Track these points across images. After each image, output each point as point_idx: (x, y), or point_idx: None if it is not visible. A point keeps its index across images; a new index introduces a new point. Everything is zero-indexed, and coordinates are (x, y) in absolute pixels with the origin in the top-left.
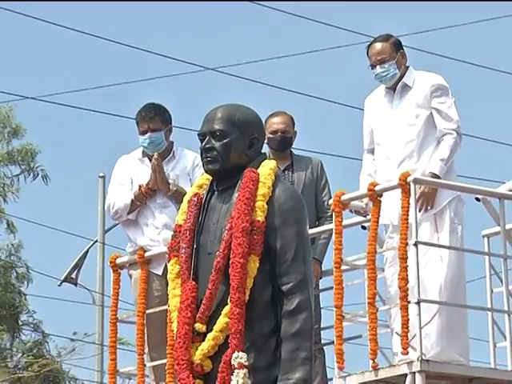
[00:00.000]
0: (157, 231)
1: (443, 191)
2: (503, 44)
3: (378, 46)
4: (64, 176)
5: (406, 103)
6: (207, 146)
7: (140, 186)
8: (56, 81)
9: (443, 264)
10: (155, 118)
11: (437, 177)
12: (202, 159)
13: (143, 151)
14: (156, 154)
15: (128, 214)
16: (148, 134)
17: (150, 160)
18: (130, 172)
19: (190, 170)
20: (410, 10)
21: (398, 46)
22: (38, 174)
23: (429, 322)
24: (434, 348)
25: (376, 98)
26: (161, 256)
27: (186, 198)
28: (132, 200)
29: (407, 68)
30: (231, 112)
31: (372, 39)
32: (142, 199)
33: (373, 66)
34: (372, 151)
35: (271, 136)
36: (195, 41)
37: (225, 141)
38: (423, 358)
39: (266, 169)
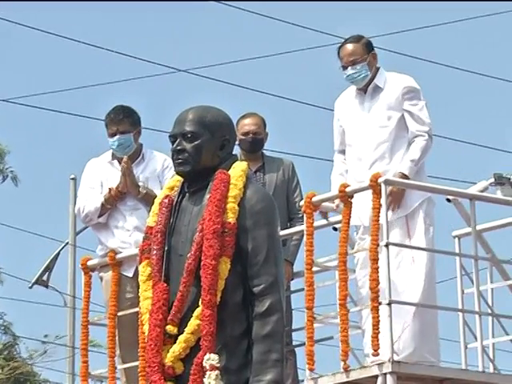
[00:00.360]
0: (128, 233)
1: (414, 193)
2: (474, 45)
3: (350, 47)
4: (35, 178)
5: (377, 105)
6: (178, 147)
7: (110, 189)
8: (27, 83)
9: (415, 265)
10: (124, 120)
11: (406, 177)
12: (173, 161)
13: (113, 154)
14: (125, 156)
15: (98, 217)
16: (117, 136)
17: (120, 163)
18: (100, 175)
19: (159, 172)
20: (380, 10)
21: (369, 46)
22: (7, 176)
23: (408, 326)
24: (406, 349)
25: (347, 99)
26: (131, 258)
27: (157, 200)
28: (102, 203)
29: (378, 69)
30: (202, 114)
31: (342, 40)
32: (112, 202)
33: (344, 67)
34: (343, 152)
35: (242, 137)
36: (167, 42)
37: (196, 142)
38: (394, 359)
39: (237, 170)
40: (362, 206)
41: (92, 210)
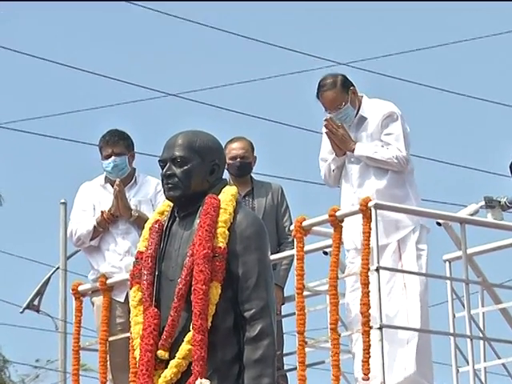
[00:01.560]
0: (119, 257)
1: (405, 218)
2: (462, 68)
3: (329, 95)
4: (25, 202)
5: (361, 136)
6: (168, 172)
7: (102, 212)
8: (17, 108)
9: (407, 291)
10: (119, 142)
11: (352, 151)
12: (162, 186)
13: (105, 177)
14: (118, 180)
15: (90, 240)
16: (112, 158)
17: (113, 186)
18: (93, 198)
19: (152, 196)
20: (367, 32)
21: (346, 84)
22: None
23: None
24: (400, 373)
25: None
26: (123, 283)
27: (147, 225)
28: (94, 226)
29: (361, 98)
30: (192, 138)
31: (329, 63)
32: (105, 225)
33: (329, 112)
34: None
35: (230, 162)
36: (156, 66)
37: (185, 167)
38: (385, 383)
39: (227, 195)
40: (355, 229)
41: (84, 232)
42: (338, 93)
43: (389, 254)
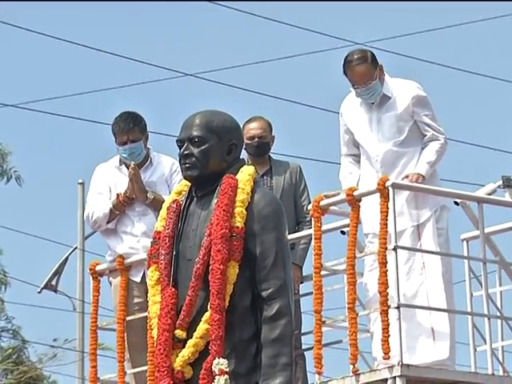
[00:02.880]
0: (136, 239)
1: (426, 202)
2: (480, 47)
3: (360, 69)
4: (43, 183)
5: (386, 116)
6: (186, 152)
7: (118, 195)
8: (35, 88)
9: (426, 271)
10: (134, 128)
11: (423, 177)
12: (180, 165)
13: (120, 159)
14: (133, 163)
15: (107, 223)
16: (128, 145)
17: (128, 168)
18: (108, 180)
19: (167, 177)
20: (387, 11)
21: (375, 61)
22: (11, 177)
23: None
24: (429, 355)
25: (352, 106)
26: (139, 263)
27: (165, 205)
28: (111, 209)
29: (384, 77)
30: (209, 118)
31: (348, 43)
32: (121, 208)
33: (357, 87)
34: (350, 156)
35: (248, 142)
36: (174, 47)
37: (203, 147)
38: (403, 362)
39: (245, 175)
40: (374, 214)
41: (101, 215)
42: (369, 67)
43: (408, 234)
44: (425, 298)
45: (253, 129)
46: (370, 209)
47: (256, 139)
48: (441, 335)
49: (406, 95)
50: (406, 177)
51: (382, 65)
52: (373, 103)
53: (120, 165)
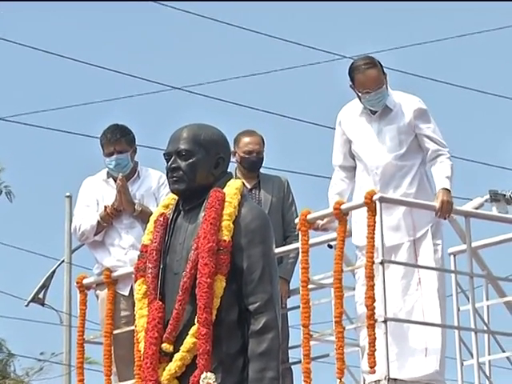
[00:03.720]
0: (123, 251)
1: (423, 217)
2: (465, 61)
3: (372, 72)
4: (30, 196)
5: (388, 128)
6: (173, 165)
7: (106, 207)
8: (22, 101)
9: (422, 287)
10: (121, 139)
11: (449, 192)
12: (167, 179)
13: (108, 172)
14: (120, 175)
15: (94, 235)
16: (114, 156)
17: (115, 181)
18: (96, 193)
19: (155, 190)
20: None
21: (382, 68)
22: (1, 192)
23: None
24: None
25: (352, 115)
26: (127, 276)
27: (152, 218)
28: (98, 221)
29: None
30: (197, 132)
31: (336, 57)
32: (108, 220)
33: (366, 93)
34: (344, 168)
35: (245, 156)
36: (162, 59)
37: (190, 160)
38: (390, 376)
39: (232, 188)
40: (364, 227)
41: (88, 228)
42: (379, 72)
43: (404, 249)
44: (420, 314)
45: (251, 143)
46: (363, 221)
47: (254, 154)
48: (432, 351)
49: (408, 108)
50: (438, 209)
51: (387, 74)
52: (374, 113)
53: (108, 178)
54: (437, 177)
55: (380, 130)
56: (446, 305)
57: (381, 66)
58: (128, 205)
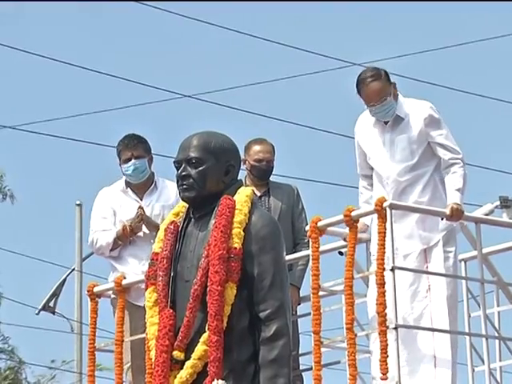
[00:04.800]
0: (141, 262)
1: (435, 226)
2: (473, 67)
3: (376, 85)
4: (41, 204)
5: (399, 138)
6: (183, 173)
7: (124, 228)
8: (33, 110)
9: (431, 294)
10: (138, 145)
11: (460, 206)
12: (178, 187)
13: (126, 182)
14: (139, 205)
15: (111, 251)
16: (132, 161)
17: (133, 191)
18: (113, 204)
19: (174, 202)
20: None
21: (388, 78)
22: (6, 195)
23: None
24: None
25: (366, 126)
26: (142, 288)
27: (162, 226)
28: (114, 239)
29: (397, 97)
30: (207, 139)
31: (348, 64)
32: (125, 240)
33: (372, 104)
34: (365, 177)
35: (256, 164)
36: (172, 68)
37: (201, 168)
38: (401, 382)
39: (242, 196)
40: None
41: (104, 244)
42: (384, 84)
43: (414, 257)
44: (429, 322)
45: (261, 151)
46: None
47: (264, 162)
48: (442, 362)
49: (419, 117)
50: (449, 215)
51: (395, 83)
52: (386, 123)
53: (126, 188)
54: (448, 189)
55: (392, 140)
56: (458, 311)
57: (387, 75)
58: (154, 229)
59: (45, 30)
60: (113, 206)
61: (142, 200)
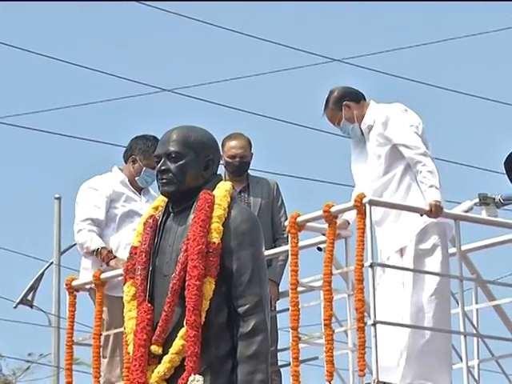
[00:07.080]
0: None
1: (409, 225)
2: (454, 64)
3: (327, 113)
4: (19, 197)
5: (369, 146)
6: (163, 167)
7: (107, 254)
8: (12, 102)
9: (405, 290)
10: None
11: (439, 203)
12: (157, 181)
13: (122, 173)
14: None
15: (90, 255)
16: (151, 170)
17: (134, 187)
18: (110, 194)
19: None
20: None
21: (339, 102)
22: None
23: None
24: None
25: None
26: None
27: (141, 220)
28: (96, 253)
29: (368, 105)
30: (186, 134)
31: (328, 60)
32: (106, 263)
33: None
34: None
35: (229, 160)
36: (151, 62)
37: (180, 162)
38: (379, 379)
39: (222, 190)
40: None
41: (91, 249)
42: (331, 111)
43: (392, 258)
44: (400, 318)
45: (234, 147)
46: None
47: (237, 159)
48: (416, 354)
49: (378, 122)
50: (428, 212)
51: (348, 103)
52: (363, 134)
53: (127, 180)
54: (423, 189)
55: (364, 148)
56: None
57: (337, 100)
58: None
59: (27, 23)
60: (109, 196)
61: (140, 195)
